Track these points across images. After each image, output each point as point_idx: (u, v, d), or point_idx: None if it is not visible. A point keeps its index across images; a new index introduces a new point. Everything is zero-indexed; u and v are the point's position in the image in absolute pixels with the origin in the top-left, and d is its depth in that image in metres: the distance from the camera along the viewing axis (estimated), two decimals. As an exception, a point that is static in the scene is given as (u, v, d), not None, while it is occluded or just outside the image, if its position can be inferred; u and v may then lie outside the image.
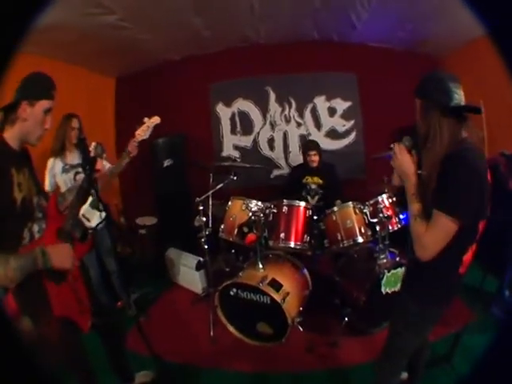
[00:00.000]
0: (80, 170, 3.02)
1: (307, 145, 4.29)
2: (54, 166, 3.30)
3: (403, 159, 1.72)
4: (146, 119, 2.65)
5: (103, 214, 2.47)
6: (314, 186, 4.07)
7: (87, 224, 2.49)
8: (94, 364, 2.13)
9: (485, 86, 4.53)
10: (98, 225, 2.50)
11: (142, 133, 2.61)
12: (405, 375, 2.49)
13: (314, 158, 4.08)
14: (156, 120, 2.67)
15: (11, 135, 1.70)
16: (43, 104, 1.75)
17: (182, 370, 2.85)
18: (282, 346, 2.99)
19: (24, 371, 1.15)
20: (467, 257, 1.68)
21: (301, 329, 3.06)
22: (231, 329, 3.18)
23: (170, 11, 3.76)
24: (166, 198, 5.15)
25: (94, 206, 2.63)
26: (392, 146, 1.79)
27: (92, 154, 2.14)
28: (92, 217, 2.61)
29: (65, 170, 3.29)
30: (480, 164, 1.55)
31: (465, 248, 1.66)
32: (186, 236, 4.77)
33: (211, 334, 3.23)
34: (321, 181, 4.11)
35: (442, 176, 1.54)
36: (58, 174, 3.29)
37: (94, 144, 2.29)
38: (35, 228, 1.73)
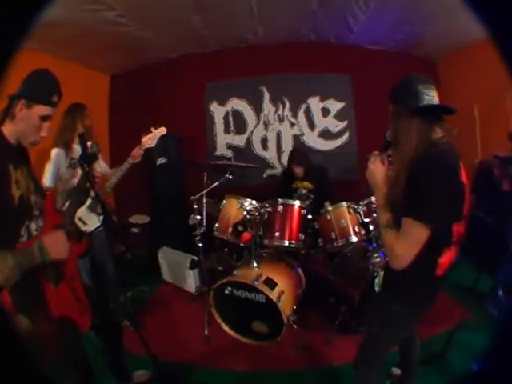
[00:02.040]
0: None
1: (290, 157, 4.24)
2: (59, 157, 2.95)
3: (375, 169, 1.72)
4: (152, 128, 2.66)
5: (101, 218, 2.46)
6: (304, 191, 4.04)
7: (83, 227, 2.45)
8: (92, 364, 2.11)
9: (479, 89, 4.61)
10: (96, 229, 2.47)
11: (149, 141, 2.64)
12: (397, 371, 2.55)
13: (298, 171, 4.05)
14: (162, 130, 2.69)
15: (9, 130, 1.63)
16: (41, 110, 1.65)
17: (178, 370, 2.84)
18: (277, 345, 3.00)
19: (22, 370, 1.14)
20: (444, 259, 1.64)
21: (295, 327, 3.07)
22: (226, 328, 3.17)
23: (169, 8, 3.75)
24: (160, 196, 5.14)
25: (92, 208, 2.61)
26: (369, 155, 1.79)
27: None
28: (89, 220, 2.58)
29: (71, 165, 3.02)
30: (450, 165, 1.53)
31: (439, 251, 1.63)
32: (179, 235, 4.81)
33: (205, 333, 3.24)
34: (310, 185, 4.08)
35: (411, 181, 1.51)
36: (62, 168, 2.98)
37: (89, 143, 2.27)
38: (33, 226, 1.69)
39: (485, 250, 3.09)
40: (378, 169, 1.71)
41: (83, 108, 3.10)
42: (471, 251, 3.23)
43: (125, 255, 4.58)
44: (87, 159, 1.94)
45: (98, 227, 2.44)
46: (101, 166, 3.21)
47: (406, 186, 1.52)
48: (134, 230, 4.75)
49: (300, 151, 4.37)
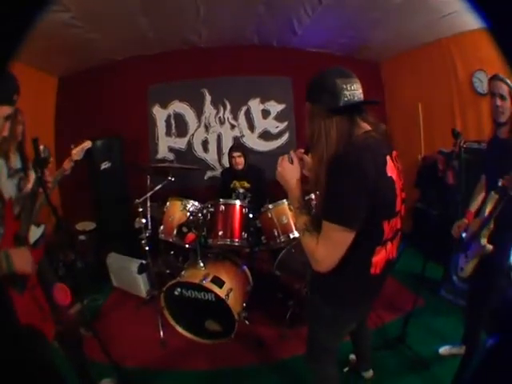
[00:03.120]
0: (22, 174, 2.81)
1: (232, 146, 4.34)
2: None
3: (284, 171, 1.63)
4: (80, 141, 2.64)
5: (41, 229, 2.43)
6: (241, 190, 4.09)
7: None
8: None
9: (422, 89, 4.92)
10: (36, 241, 2.42)
11: (77, 153, 2.60)
12: (353, 357, 2.70)
13: (239, 160, 4.10)
14: (88, 144, 2.66)
15: None
16: (4, 110, 1.61)
17: (140, 375, 2.83)
18: (232, 342, 3.07)
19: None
20: (378, 258, 1.55)
21: (247, 323, 3.17)
22: (180, 329, 3.21)
23: (118, 10, 3.73)
24: (104, 201, 5.05)
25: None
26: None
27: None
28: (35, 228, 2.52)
29: (10, 175, 2.98)
30: (369, 162, 1.38)
31: (370, 251, 1.52)
32: (125, 240, 4.70)
33: (161, 336, 3.23)
34: (248, 184, 4.15)
35: (327, 182, 1.40)
36: (2, 179, 2.97)
37: (41, 147, 2.23)
38: None
39: (431, 239, 3.33)
40: (287, 170, 1.63)
41: (18, 113, 3.00)
42: (418, 241, 3.45)
43: (75, 263, 4.46)
44: (40, 164, 1.94)
45: (38, 238, 2.41)
46: (31, 176, 3.07)
47: (323, 189, 1.42)
48: (81, 237, 4.63)
49: (240, 143, 4.60)
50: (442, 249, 3.31)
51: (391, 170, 1.46)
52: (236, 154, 4.12)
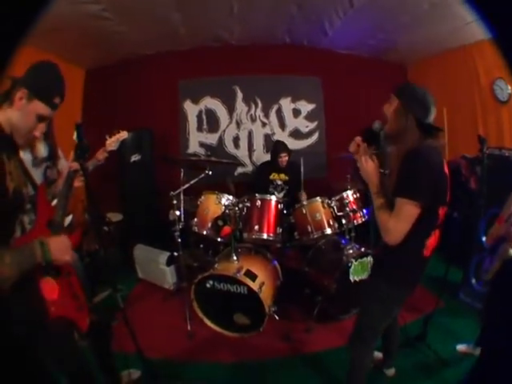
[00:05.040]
0: (49, 163, 2.80)
1: (278, 146, 4.48)
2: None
3: (367, 166, 1.92)
4: (116, 132, 2.65)
5: (69, 218, 2.43)
6: (280, 182, 4.27)
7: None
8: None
9: (447, 94, 4.90)
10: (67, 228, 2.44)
11: (112, 144, 2.61)
12: (379, 355, 2.71)
13: (284, 159, 4.34)
14: (124, 135, 2.67)
15: (5, 118, 1.53)
16: (40, 107, 1.57)
17: (165, 366, 2.81)
18: (259, 336, 3.10)
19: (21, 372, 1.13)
20: (431, 241, 1.88)
21: (277, 317, 3.18)
22: (208, 322, 3.22)
23: (151, 4, 3.77)
24: (133, 193, 5.10)
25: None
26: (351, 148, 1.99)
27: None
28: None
29: (35, 164, 3.05)
30: (435, 157, 1.79)
31: (427, 232, 1.86)
32: (152, 232, 4.78)
33: (188, 328, 3.25)
34: (286, 177, 4.34)
35: (402, 168, 1.75)
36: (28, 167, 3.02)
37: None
38: (26, 220, 1.62)
39: (453, 244, 3.32)
40: (369, 166, 1.91)
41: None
42: (441, 245, 3.45)
43: (98, 253, 4.53)
44: (83, 150, 1.86)
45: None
46: (61, 164, 3.09)
47: (398, 173, 1.77)
48: (108, 227, 4.68)
49: (285, 143, 4.57)
50: (462, 252, 3.34)
51: (446, 169, 1.85)
52: (283, 154, 4.34)
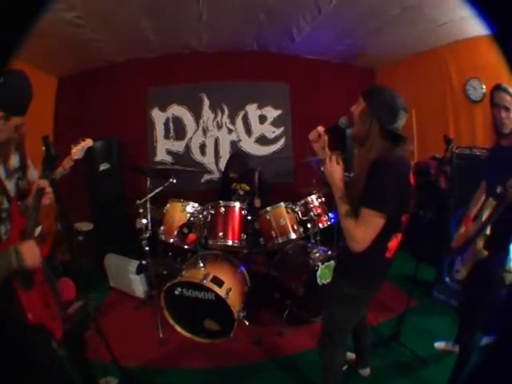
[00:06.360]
0: (20, 174, 2.81)
1: (227, 164, 4.57)
2: None
3: (332, 168, 1.88)
4: (81, 140, 2.66)
5: (39, 228, 2.43)
6: (241, 192, 4.16)
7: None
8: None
9: (417, 96, 4.99)
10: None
11: (78, 152, 2.62)
12: (353, 356, 2.77)
13: (233, 176, 4.30)
14: (89, 142, 2.67)
15: None
16: (17, 120, 1.69)
17: (140, 374, 2.83)
18: (231, 341, 3.13)
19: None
20: (392, 244, 1.91)
21: (247, 323, 3.23)
22: (179, 329, 3.24)
23: (124, 11, 3.76)
24: (103, 202, 5.06)
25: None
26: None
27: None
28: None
29: (8, 176, 2.99)
30: (403, 168, 1.80)
31: (389, 236, 1.88)
32: (123, 241, 4.73)
33: (160, 335, 3.26)
34: (248, 187, 4.20)
35: (370, 178, 1.74)
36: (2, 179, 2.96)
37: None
38: (2, 229, 1.70)
39: (423, 242, 3.41)
40: (334, 168, 1.88)
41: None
42: (410, 244, 3.55)
43: (72, 263, 4.46)
44: (50, 162, 1.95)
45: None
46: (31, 174, 3.07)
47: (365, 182, 1.76)
48: (79, 237, 4.65)
49: (236, 158, 4.59)
50: (434, 251, 3.42)
51: (412, 178, 1.86)
52: (232, 172, 4.35)
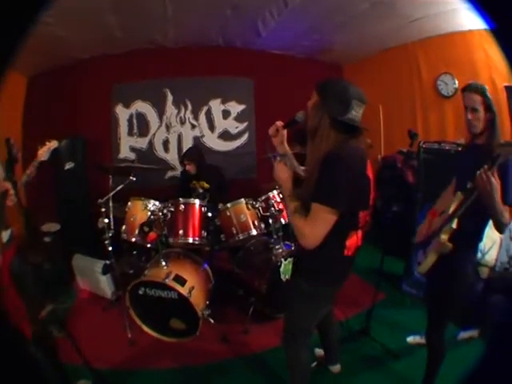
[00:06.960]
0: None
1: (183, 155, 4.48)
2: None
3: (278, 170, 1.88)
4: (46, 142, 2.67)
5: (9, 232, 2.42)
6: (201, 190, 4.08)
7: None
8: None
9: (384, 91, 5.12)
10: (6, 242, 2.43)
11: (44, 154, 2.62)
12: (321, 352, 2.80)
13: (189, 168, 4.23)
14: (54, 144, 2.69)
15: None
16: None
17: (112, 375, 2.83)
18: (197, 340, 3.12)
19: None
20: (351, 242, 1.86)
21: (212, 321, 3.25)
22: (146, 329, 3.22)
23: (88, 7, 3.69)
24: (68, 202, 5.00)
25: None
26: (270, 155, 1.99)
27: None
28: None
29: None
30: (356, 161, 1.75)
31: (345, 234, 1.83)
32: (89, 241, 4.63)
33: (129, 336, 3.23)
34: (207, 185, 4.14)
35: (320, 172, 1.67)
36: None
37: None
38: None
39: (390, 235, 3.46)
40: (279, 168, 1.88)
41: None
42: (377, 237, 3.61)
43: (42, 266, 4.39)
44: (11, 164, 1.96)
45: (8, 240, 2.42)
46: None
47: (317, 177, 1.69)
48: (46, 239, 4.57)
49: (193, 149, 4.57)
50: (402, 244, 3.48)
51: (369, 172, 1.84)
52: (186, 162, 4.27)
